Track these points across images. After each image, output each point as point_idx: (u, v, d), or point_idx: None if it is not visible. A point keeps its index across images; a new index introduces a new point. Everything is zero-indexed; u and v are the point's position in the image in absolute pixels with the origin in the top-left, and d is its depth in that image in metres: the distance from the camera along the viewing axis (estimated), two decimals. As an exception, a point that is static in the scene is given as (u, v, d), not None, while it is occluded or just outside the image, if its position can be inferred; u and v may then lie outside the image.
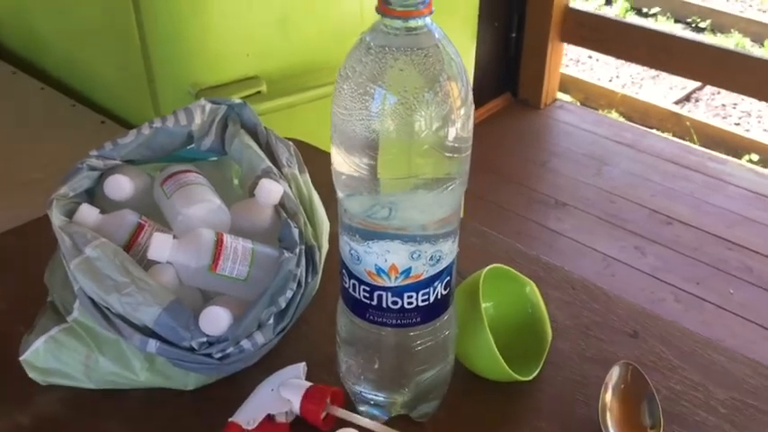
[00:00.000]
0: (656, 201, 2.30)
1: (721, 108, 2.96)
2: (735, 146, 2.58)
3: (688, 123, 2.69)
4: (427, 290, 0.55)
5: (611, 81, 3.14)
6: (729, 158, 2.52)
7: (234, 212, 0.67)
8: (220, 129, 0.72)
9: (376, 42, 0.47)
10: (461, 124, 0.49)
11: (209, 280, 0.61)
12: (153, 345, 0.59)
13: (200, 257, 0.61)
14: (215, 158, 0.75)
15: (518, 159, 2.53)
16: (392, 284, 0.54)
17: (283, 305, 0.62)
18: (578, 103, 2.87)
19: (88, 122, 1.05)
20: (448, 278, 0.56)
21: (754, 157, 2.55)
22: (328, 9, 1.07)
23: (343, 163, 0.50)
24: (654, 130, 2.70)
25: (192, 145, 0.72)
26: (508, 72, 2.75)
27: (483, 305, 0.64)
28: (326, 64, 1.10)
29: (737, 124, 2.86)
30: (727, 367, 0.69)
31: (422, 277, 0.54)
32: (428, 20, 0.47)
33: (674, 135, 2.68)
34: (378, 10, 0.47)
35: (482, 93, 2.65)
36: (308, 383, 0.61)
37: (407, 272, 0.53)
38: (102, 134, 1.04)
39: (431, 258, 0.53)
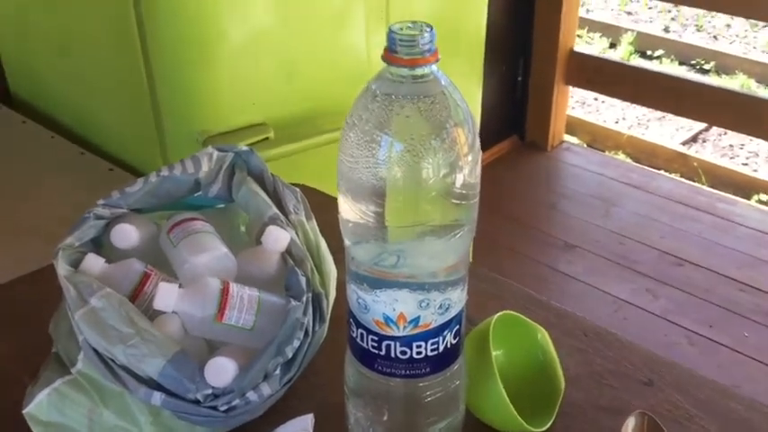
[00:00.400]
0: (665, 242, 2.28)
1: (729, 148, 2.96)
2: (743, 186, 2.57)
3: (696, 164, 2.68)
4: (436, 339, 0.54)
5: (617, 123, 3.15)
6: (738, 199, 2.50)
7: (240, 260, 0.66)
8: (227, 176, 0.72)
9: (382, 90, 0.47)
10: (469, 170, 0.49)
11: (215, 330, 0.61)
12: (158, 397, 0.58)
13: (205, 307, 0.60)
14: (222, 206, 0.75)
15: (527, 202, 2.52)
16: (401, 334, 0.53)
17: (290, 355, 0.61)
18: (585, 145, 2.88)
19: (97, 170, 1.06)
20: (457, 327, 0.55)
21: (763, 197, 2.54)
22: (335, 56, 1.08)
23: (350, 210, 0.50)
24: (662, 171, 2.70)
25: (200, 192, 0.72)
26: (515, 115, 2.76)
27: (493, 353, 0.63)
28: (333, 109, 1.11)
29: (745, 164, 2.85)
30: (745, 416, 0.67)
31: (431, 326, 0.53)
32: (434, 67, 0.47)
33: (681, 176, 2.67)
34: (383, 58, 0.47)
35: (489, 136, 2.66)
36: (316, 439, 0.59)
37: (416, 321, 0.52)
38: (110, 181, 1.04)
39: (440, 307, 0.52)
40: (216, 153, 0.72)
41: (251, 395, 0.59)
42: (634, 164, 2.75)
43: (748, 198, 2.52)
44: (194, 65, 0.94)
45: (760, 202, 2.52)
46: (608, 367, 0.72)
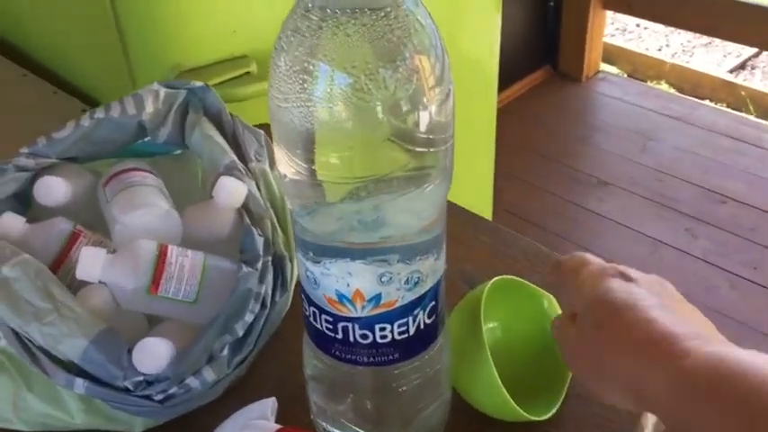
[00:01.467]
0: (708, 178, 2.12)
1: (780, 75, 2.74)
2: (795, 116, 2.38)
3: (743, 93, 2.48)
4: (405, 320, 0.43)
5: (660, 50, 2.93)
6: (789, 130, 2.32)
7: (188, 218, 0.56)
8: (179, 117, 0.61)
9: (316, 2, 0.35)
10: (435, 109, 0.37)
11: (151, 304, 0.51)
12: (80, 384, 0.49)
13: (137, 277, 0.50)
14: (178, 152, 0.64)
15: (557, 136, 2.37)
16: (359, 314, 0.42)
17: (241, 332, 0.51)
18: (624, 75, 2.69)
19: (70, 110, 0.96)
20: (433, 303, 0.44)
21: (819, 127, 2.35)
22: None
23: (285, 163, 0.39)
24: (706, 102, 2.51)
25: (148, 137, 0.61)
26: (547, 43, 2.58)
27: (488, 326, 0.53)
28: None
29: (797, 92, 2.64)
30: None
31: (396, 305, 0.42)
32: (386, -31, 0.35)
33: (728, 106, 2.48)
34: (316, -42, 0.35)
35: (519, 66, 2.49)
36: (277, 426, 0.50)
37: (377, 299, 0.42)
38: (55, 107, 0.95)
39: (406, 282, 0.42)
40: (163, 90, 0.61)
41: (191, 381, 0.49)
42: (676, 94, 2.56)
43: (800, 129, 2.34)
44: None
45: (813, 133, 2.33)
46: (629, 338, 0.61)
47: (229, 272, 0.52)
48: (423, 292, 0.43)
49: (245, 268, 0.52)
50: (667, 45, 2.97)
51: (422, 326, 0.44)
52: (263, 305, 0.53)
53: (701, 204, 2.04)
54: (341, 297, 0.42)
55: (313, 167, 0.38)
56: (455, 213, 0.76)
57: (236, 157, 0.59)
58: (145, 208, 0.54)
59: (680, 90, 2.60)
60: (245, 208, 0.56)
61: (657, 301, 0.41)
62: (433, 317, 0.45)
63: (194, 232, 0.56)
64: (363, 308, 0.42)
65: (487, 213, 1.57)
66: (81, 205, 0.58)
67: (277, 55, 0.36)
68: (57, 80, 1.04)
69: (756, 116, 2.40)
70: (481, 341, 0.50)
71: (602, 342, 0.42)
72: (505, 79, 2.33)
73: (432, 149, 0.38)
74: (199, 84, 0.62)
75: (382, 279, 0.41)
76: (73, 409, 0.52)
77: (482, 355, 0.49)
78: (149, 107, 0.59)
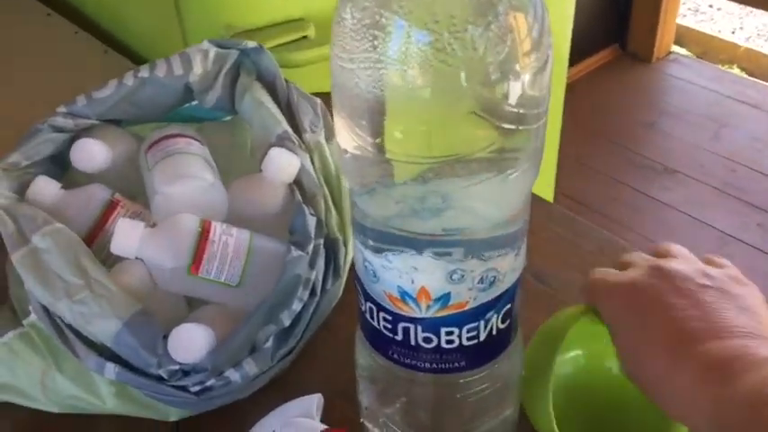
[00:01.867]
0: (784, 170, 2.00)
1: None
2: None
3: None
4: (476, 324, 0.37)
5: (733, 33, 2.78)
6: None
7: (235, 192, 0.51)
8: (229, 81, 0.56)
9: (394, -57, 0.29)
10: (530, 79, 0.31)
11: (191, 285, 0.46)
12: (111, 369, 0.44)
13: (176, 255, 0.45)
14: (227, 119, 0.59)
15: (624, 119, 2.26)
16: (423, 315, 0.37)
17: (287, 322, 0.46)
18: (695, 57, 2.55)
19: (117, 70, 0.92)
20: (508, 306, 0.38)
21: None
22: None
23: (348, 136, 0.33)
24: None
25: (195, 101, 0.56)
26: (616, 21, 2.46)
27: (572, 353, 0.46)
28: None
29: None
30: None
31: (467, 306, 0.36)
32: None
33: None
34: None
35: (586, 44, 2.38)
36: (322, 427, 0.45)
37: (445, 299, 0.36)
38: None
39: (480, 281, 0.36)
40: (213, 50, 0.55)
41: (231, 374, 0.44)
42: (752, 79, 2.42)
43: None
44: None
45: None
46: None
47: (277, 254, 0.47)
48: (499, 293, 0.37)
49: (294, 251, 0.46)
50: (741, 28, 2.81)
51: (494, 331, 0.38)
52: (313, 293, 0.48)
53: (775, 198, 1.92)
54: (403, 294, 0.36)
55: (379, 142, 0.32)
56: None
57: (289, 128, 0.53)
58: (188, 179, 0.49)
59: (753, 75, 2.46)
60: (297, 184, 0.51)
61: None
62: (508, 321, 0.39)
63: (241, 208, 0.51)
64: (429, 308, 0.36)
65: (548, 198, 1.49)
66: (121, 172, 0.53)
67: (342, 5, 0.31)
68: (109, 39, 1.01)
69: (837, 105, 2.25)
70: (548, 370, 0.43)
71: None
72: (572, 58, 2.24)
73: (522, 127, 0.32)
74: (253, 44, 0.57)
75: (453, 277, 0.35)
76: (104, 392, 0.48)
77: (544, 377, 0.43)
78: (197, 68, 0.54)
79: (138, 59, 0.94)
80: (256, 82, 0.56)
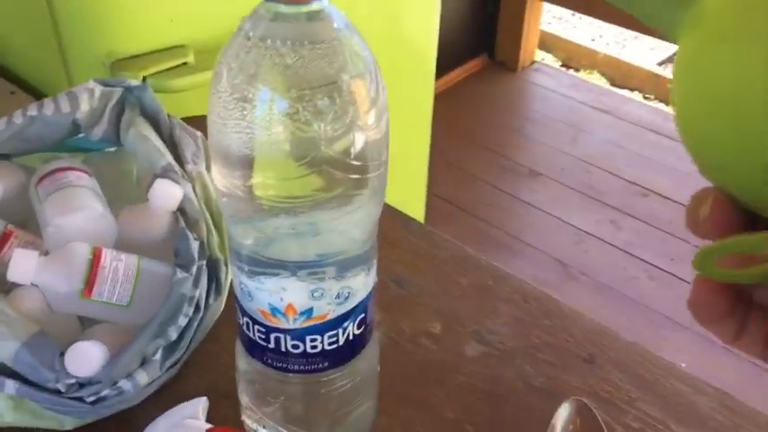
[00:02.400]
0: (632, 171, 2.21)
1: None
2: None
3: (670, 86, 2.58)
4: (335, 332, 0.45)
5: (593, 41, 3.02)
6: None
7: (123, 220, 0.57)
8: (114, 116, 0.61)
9: (256, 32, 0.36)
10: (370, 138, 0.39)
11: (84, 307, 0.51)
12: (11, 386, 0.49)
13: (71, 280, 0.50)
14: (114, 149, 0.64)
15: (492, 125, 2.42)
16: (291, 326, 0.44)
17: (174, 336, 0.52)
18: (559, 64, 2.76)
19: (-3, 93, 0.94)
20: (362, 315, 0.46)
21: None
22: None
23: (222, 179, 0.40)
24: (636, 94, 2.60)
25: (82, 134, 0.61)
26: (485, 32, 2.62)
27: None
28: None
29: (721, 89, 2.75)
30: (691, 399, 0.60)
31: (328, 318, 0.44)
32: (325, 2, 0.37)
33: (655, 98, 2.58)
34: (259, -9, 0.36)
35: (456, 53, 2.52)
36: (207, 426, 0.51)
37: (309, 312, 0.44)
38: (11, 107, 0.92)
39: (337, 296, 0.44)
40: (99, 89, 0.60)
41: (124, 384, 0.50)
42: (607, 87, 2.65)
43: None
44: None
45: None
46: (546, 339, 0.64)
47: (164, 276, 0.53)
48: (353, 305, 0.45)
49: (179, 273, 0.53)
50: (601, 36, 3.06)
51: (351, 337, 0.46)
52: (197, 308, 0.54)
53: (625, 197, 2.13)
54: (274, 310, 0.43)
55: (249, 185, 0.39)
56: (387, 213, 0.78)
57: (172, 159, 0.59)
58: (79, 211, 0.54)
59: (611, 80, 2.69)
60: (181, 211, 0.57)
61: None
62: (363, 327, 0.47)
63: (129, 235, 0.56)
64: (295, 320, 0.44)
65: (421, 200, 1.60)
66: (12, 203, 0.57)
67: (217, 81, 0.37)
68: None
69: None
70: None
71: None
72: (442, 67, 2.37)
73: (365, 175, 0.40)
74: (136, 82, 0.62)
75: (314, 294, 0.43)
76: (2, 406, 0.52)
77: None
78: (84, 105, 0.59)
79: (17, 80, 0.96)
80: (140, 117, 0.61)
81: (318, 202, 0.39)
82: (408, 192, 1.51)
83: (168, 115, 0.63)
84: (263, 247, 0.41)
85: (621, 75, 2.68)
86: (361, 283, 0.45)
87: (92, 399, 0.50)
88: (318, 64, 0.36)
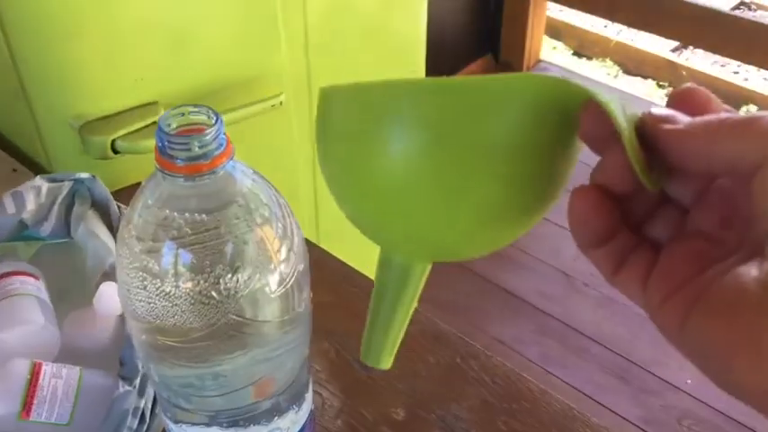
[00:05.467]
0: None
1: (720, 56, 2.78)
2: (733, 96, 2.42)
3: (684, 73, 2.52)
4: (269, 469, 0.44)
5: (606, 27, 2.96)
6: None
7: (68, 326, 0.56)
8: (64, 210, 0.60)
9: (156, 200, 0.35)
10: (277, 306, 0.37)
11: (23, 428, 0.51)
12: None
13: (7, 403, 0.50)
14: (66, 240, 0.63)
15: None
16: (221, 469, 0.43)
17: (118, 453, 0.51)
18: (570, 52, 2.70)
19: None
20: (299, 445, 0.45)
21: (753, 108, 2.40)
22: (236, 13, 0.93)
23: (134, 330, 0.39)
24: (649, 82, 2.54)
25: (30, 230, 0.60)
26: (489, 32, 2.58)
27: None
28: (239, 80, 0.97)
29: (736, 73, 2.69)
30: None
31: (258, 457, 0.43)
32: (229, 163, 0.35)
33: (670, 85, 2.52)
34: (157, 163, 0.34)
35: (460, 55, 2.48)
36: None
37: (238, 455, 0.42)
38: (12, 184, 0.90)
39: (266, 439, 0.42)
40: (46, 185, 0.59)
41: (64, 507, 0.50)
42: (615, 83, 2.59)
43: (737, 109, 2.38)
44: (58, 41, 0.79)
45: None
46: (513, 426, 0.63)
47: (106, 389, 0.52)
48: (286, 441, 0.44)
49: (121, 387, 0.52)
50: (613, 22, 2.99)
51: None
52: (143, 419, 0.53)
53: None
54: (201, 454, 0.42)
55: (159, 346, 0.38)
56: (351, 280, 0.76)
57: (121, 256, 0.58)
58: (20, 325, 0.53)
59: (624, 67, 2.63)
60: (128, 314, 0.56)
61: None
62: (300, 456, 0.46)
63: (73, 341, 0.55)
64: (225, 463, 0.43)
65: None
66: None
67: (120, 244, 0.36)
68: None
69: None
70: None
71: None
72: (446, 68, 2.33)
73: (278, 330, 0.38)
74: (86, 175, 0.61)
75: (240, 440, 0.42)
76: None
77: None
78: (30, 204, 0.58)
79: (15, 152, 0.93)
80: (91, 210, 0.60)
81: (233, 357, 0.38)
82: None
83: (118, 206, 0.62)
84: (178, 397, 0.40)
85: (635, 62, 2.62)
86: (291, 422, 0.43)
87: None
88: (219, 230, 0.35)
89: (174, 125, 0.33)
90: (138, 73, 0.86)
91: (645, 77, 2.58)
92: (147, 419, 0.53)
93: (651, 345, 1.69)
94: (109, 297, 0.55)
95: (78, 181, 0.61)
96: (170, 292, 0.35)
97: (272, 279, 0.36)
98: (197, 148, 0.33)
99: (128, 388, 0.52)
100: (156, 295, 0.35)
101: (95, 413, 0.51)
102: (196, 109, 0.34)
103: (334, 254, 0.75)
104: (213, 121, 0.34)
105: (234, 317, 0.36)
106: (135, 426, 0.52)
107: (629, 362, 1.67)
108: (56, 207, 0.59)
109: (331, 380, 0.65)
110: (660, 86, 2.57)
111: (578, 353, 1.74)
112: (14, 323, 0.53)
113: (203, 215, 0.34)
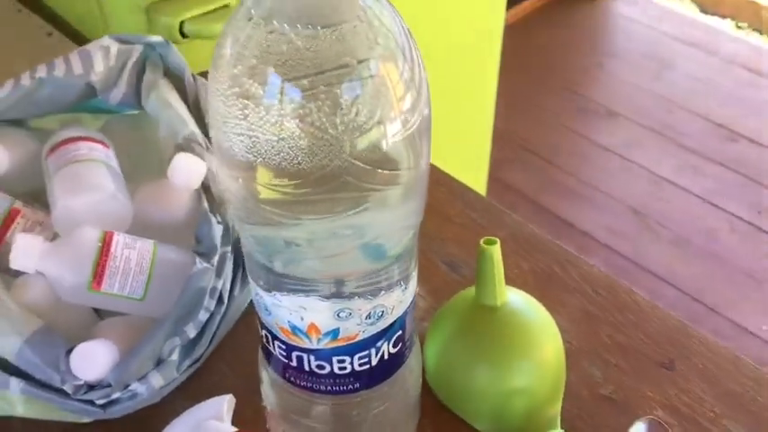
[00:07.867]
0: (720, 112, 2.04)
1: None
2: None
3: (765, 14, 2.35)
4: (366, 352, 0.38)
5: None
6: (812, 64, 2.21)
7: (140, 199, 0.51)
8: (134, 78, 0.54)
9: (259, 11, 0.28)
10: (406, 126, 0.31)
11: (94, 299, 0.46)
12: (16, 386, 0.45)
13: (77, 272, 0.45)
14: (136, 112, 0.58)
15: (566, 60, 2.26)
16: (314, 346, 0.38)
17: (193, 334, 0.47)
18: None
19: (33, 33, 0.88)
20: (399, 332, 0.39)
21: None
22: None
23: (227, 179, 0.33)
24: (728, 22, 2.37)
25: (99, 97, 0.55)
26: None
27: None
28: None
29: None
30: (789, 419, 0.52)
31: (357, 338, 0.38)
32: (351, -32, 0.28)
33: (749, 26, 2.35)
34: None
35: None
36: (233, 429, 0.46)
37: (335, 333, 0.37)
38: (46, 50, 0.87)
39: (368, 317, 0.37)
40: (116, 46, 0.54)
41: (137, 387, 0.45)
42: (697, 18, 2.43)
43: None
44: None
45: (836, 68, 2.22)
46: (619, 340, 0.57)
47: (182, 266, 0.47)
48: (387, 324, 0.38)
49: (198, 264, 0.47)
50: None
51: (386, 356, 0.39)
52: (220, 300, 0.48)
53: (710, 141, 1.97)
54: (294, 329, 0.37)
55: (256, 193, 0.32)
56: (442, 182, 0.70)
57: (197, 128, 0.53)
58: (89, 191, 0.48)
59: (702, 7, 2.47)
60: (205, 188, 0.51)
61: None
62: (399, 345, 0.40)
63: (146, 215, 0.50)
64: (319, 341, 0.37)
65: (487, 140, 1.49)
66: (22, 175, 0.52)
67: (214, 69, 0.30)
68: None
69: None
70: None
71: None
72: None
73: (396, 185, 0.32)
74: (158, 39, 0.55)
75: (340, 315, 0.36)
76: (14, 399, 0.48)
77: None
78: (99, 66, 0.52)
79: (54, 19, 0.90)
80: (164, 79, 0.55)
81: (341, 214, 0.32)
82: (471, 131, 1.41)
83: (194, 76, 0.56)
84: (276, 262, 0.35)
85: (713, 2, 2.45)
86: (396, 300, 0.38)
87: (102, 401, 0.45)
88: (337, 48, 0.28)
89: None
90: (211, -50, 0.79)
91: (723, 17, 2.41)
92: (225, 301, 0.49)
93: (726, 288, 1.60)
94: (185, 168, 0.50)
95: (150, 46, 0.55)
96: (276, 121, 0.29)
97: (396, 118, 0.30)
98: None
99: (206, 265, 0.47)
100: (260, 126, 0.29)
101: (170, 290, 0.46)
102: None
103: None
104: None
105: (349, 159, 0.29)
106: (212, 307, 0.47)
107: (702, 305, 1.59)
108: (125, 73, 0.54)
109: (419, 281, 0.59)
110: (739, 27, 2.39)
111: (648, 294, 1.67)
112: (82, 189, 0.48)
113: (318, 27, 0.28)
